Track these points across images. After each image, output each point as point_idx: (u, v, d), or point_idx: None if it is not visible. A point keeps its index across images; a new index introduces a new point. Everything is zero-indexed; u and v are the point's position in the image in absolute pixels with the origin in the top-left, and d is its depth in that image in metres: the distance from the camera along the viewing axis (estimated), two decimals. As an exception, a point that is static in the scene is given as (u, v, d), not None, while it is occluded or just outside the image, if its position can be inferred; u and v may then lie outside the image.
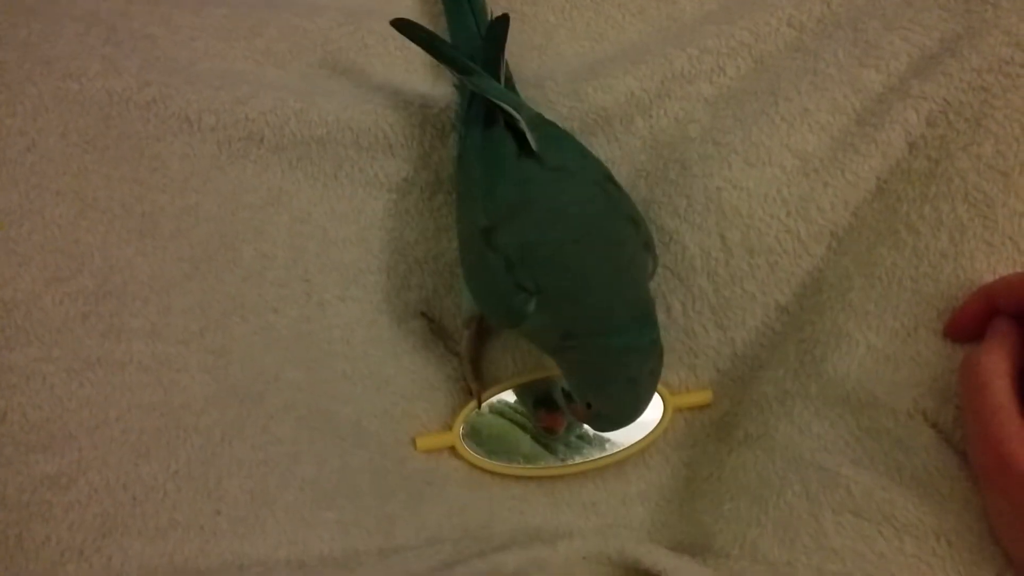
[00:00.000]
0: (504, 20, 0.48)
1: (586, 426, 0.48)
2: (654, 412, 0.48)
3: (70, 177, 0.43)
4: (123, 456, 0.40)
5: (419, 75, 0.51)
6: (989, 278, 0.41)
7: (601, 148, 0.51)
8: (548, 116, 0.50)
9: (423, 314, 0.51)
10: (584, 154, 0.47)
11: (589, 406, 0.42)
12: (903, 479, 0.39)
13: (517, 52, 0.52)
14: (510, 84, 0.49)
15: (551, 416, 0.49)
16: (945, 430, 0.40)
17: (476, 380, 0.50)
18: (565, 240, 0.42)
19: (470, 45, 0.50)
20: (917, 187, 0.44)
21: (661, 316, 0.48)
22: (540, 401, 0.50)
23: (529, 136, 0.44)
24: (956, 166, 0.43)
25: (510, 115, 0.44)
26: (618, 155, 0.51)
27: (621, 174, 0.51)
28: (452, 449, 0.49)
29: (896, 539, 0.38)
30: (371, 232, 0.50)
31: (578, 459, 0.48)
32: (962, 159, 0.43)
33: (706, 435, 0.47)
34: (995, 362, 0.37)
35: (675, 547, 0.42)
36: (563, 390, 0.46)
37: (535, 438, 0.49)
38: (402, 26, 0.48)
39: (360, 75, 0.51)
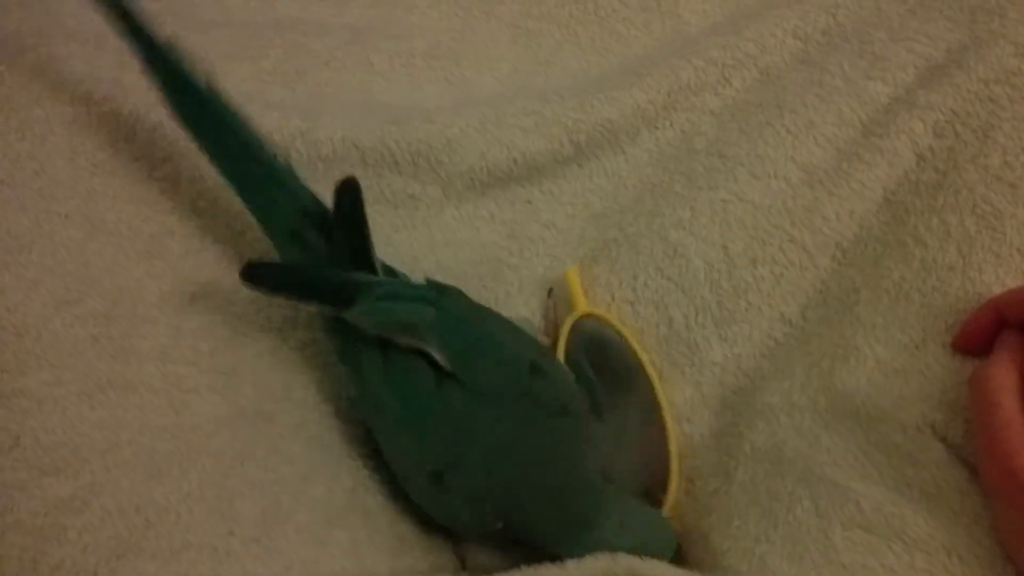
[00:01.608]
0: (351, 188, 0.43)
1: None
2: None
3: (79, 200, 0.43)
4: (135, 478, 0.40)
5: (424, 92, 0.51)
6: (998, 290, 0.41)
7: (607, 160, 0.51)
8: (553, 131, 0.50)
9: None
10: (502, 349, 0.44)
11: None
12: (913, 494, 0.39)
13: (522, 69, 0.52)
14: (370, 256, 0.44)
15: None
16: (954, 444, 0.40)
17: (457, 544, 0.48)
18: (515, 478, 0.42)
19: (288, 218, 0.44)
20: (924, 199, 0.44)
21: (663, 328, 0.48)
22: None
23: (440, 358, 0.42)
24: (964, 178, 0.43)
25: (416, 346, 0.42)
26: (624, 168, 0.51)
27: (627, 187, 0.51)
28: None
29: (907, 554, 0.38)
30: (377, 249, 0.50)
31: None
32: (969, 171, 0.43)
33: (706, 446, 0.47)
34: (1004, 376, 0.37)
35: (682, 564, 0.42)
36: None
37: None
38: (251, 276, 0.42)
39: (366, 94, 0.52)
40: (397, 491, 0.46)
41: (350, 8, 0.55)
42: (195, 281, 0.45)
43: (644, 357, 0.48)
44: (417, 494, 0.45)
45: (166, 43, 0.43)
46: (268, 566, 0.41)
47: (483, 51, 0.54)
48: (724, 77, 0.50)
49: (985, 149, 0.43)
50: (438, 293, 0.44)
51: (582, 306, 0.50)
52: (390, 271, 0.47)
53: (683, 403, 0.47)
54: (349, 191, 0.43)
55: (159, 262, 0.45)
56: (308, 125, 0.48)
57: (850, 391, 0.42)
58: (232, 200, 0.48)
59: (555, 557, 0.41)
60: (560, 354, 0.49)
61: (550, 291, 0.51)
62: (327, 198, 0.49)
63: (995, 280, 0.41)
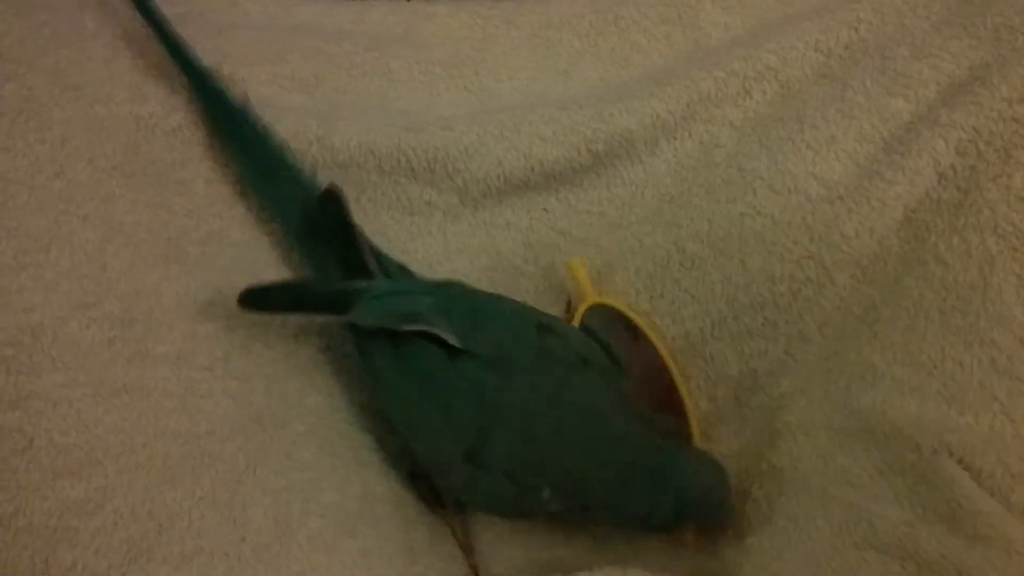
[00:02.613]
0: (334, 199, 0.45)
1: None
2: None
3: (97, 202, 0.43)
4: (148, 482, 0.40)
5: (443, 99, 0.50)
6: (1019, 311, 0.40)
7: (625, 170, 0.51)
8: (571, 139, 0.50)
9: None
10: (506, 316, 0.45)
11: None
12: (927, 515, 0.39)
13: (541, 78, 0.52)
14: (372, 250, 0.47)
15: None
16: (970, 466, 0.39)
17: (470, 553, 0.48)
18: (551, 434, 0.42)
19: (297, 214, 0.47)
20: (946, 218, 0.43)
21: (679, 341, 0.48)
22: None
23: (448, 337, 0.42)
24: (986, 197, 0.42)
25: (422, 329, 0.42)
26: (642, 178, 0.51)
27: (645, 197, 0.51)
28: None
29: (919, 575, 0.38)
30: (393, 256, 0.50)
31: None
32: (991, 190, 0.42)
33: (727, 466, 0.47)
34: None
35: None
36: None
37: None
38: (250, 300, 0.44)
39: (384, 100, 0.52)
40: (408, 498, 0.47)
41: (370, 15, 0.55)
42: (211, 285, 0.45)
43: (659, 344, 0.48)
44: (457, 484, 0.44)
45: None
46: (279, 573, 0.41)
47: (502, 60, 0.54)
48: (745, 89, 0.50)
49: (1008, 169, 0.42)
50: (436, 285, 0.46)
51: (590, 296, 0.49)
52: (404, 270, 0.48)
53: (701, 419, 0.47)
54: (332, 200, 0.45)
55: (176, 266, 0.45)
56: (325, 131, 0.48)
57: (866, 410, 0.42)
58: (248, 204, 0.48)
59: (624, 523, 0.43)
60: None
61: (568, 303, 0.51)
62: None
63: (1016, 300, 0.40)
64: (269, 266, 0.48)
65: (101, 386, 0.40)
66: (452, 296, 0.45)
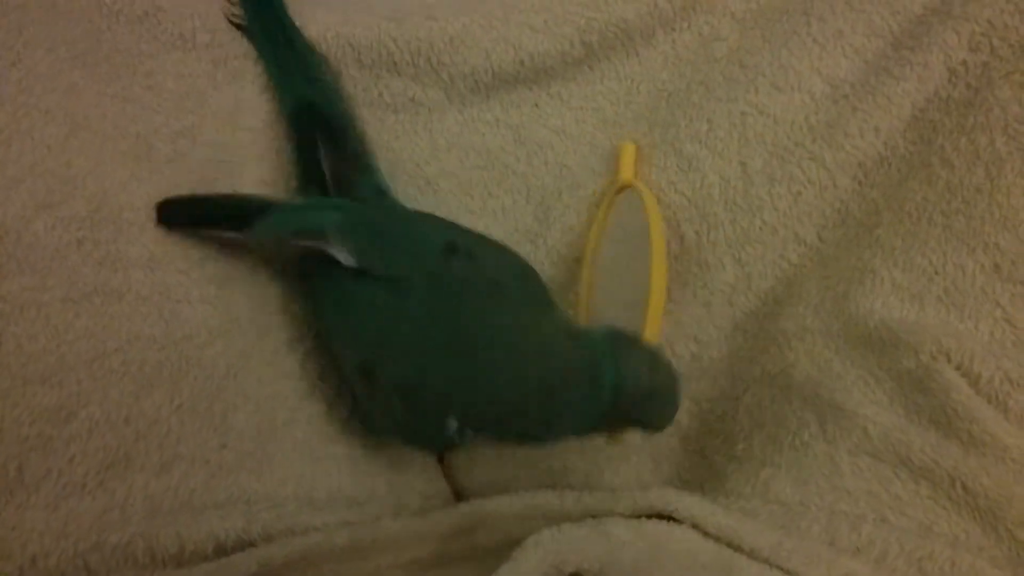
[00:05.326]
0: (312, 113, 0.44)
1: None
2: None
3: (59, 95, 0.40)
4: (124, 389, 0.39)
5: (427, -13, 0.47)
6: None
7: (620, 64, 0.49)
8: (563, 30, 0.47)
9: None
10: (411, 237, 0.42)
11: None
12: (921, 421, 0.39)
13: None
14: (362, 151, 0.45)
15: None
16: (968, 372, 0.39)
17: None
18: (451, 361, 0.39)
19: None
20: (954, 117, 0.41)
21: (674, 246, 0.47)
22: None
23: (341, 256, 0.40)
24: (997, 95, 0.40)
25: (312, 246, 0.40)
26: (638, 72, 0.49)
27: (641, 93, 0.49)
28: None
29: (912, 482, 0.38)
30: (378, 156, 0.47)
31: None
32: (1004, 88, 0.40)
33: (716, 369, 0.46)
34: None
35: (684, 486, 0.42)
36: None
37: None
38: (162, 214, 0.42)
39: None
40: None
41: None
42: (183, 185, 0.43)
43: (660, 243, 0.45)
44: (358, 396, 0.43)
45: None
46: (262, 481, 0.40)
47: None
48: None
49: (1021, 65, 0.40)
50: (350, 203, 0.44)
51: (626, 177, 0.48)
52: (381, 192, 0.46)
53: (691, 322, 0.46)
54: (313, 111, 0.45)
55: (146, 164, 0.42)
56: (300, 21, 0.46)
57: (864, 315, 0.41)
58: (221, 99, 0.45)
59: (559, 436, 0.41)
60: (599, 225, 0.48)
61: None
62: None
63: (1023, 204, 0.39)
64: (245, 164, 0.45)
65: (71, 289, 0.39)
66: (360, 213, 0.43)
